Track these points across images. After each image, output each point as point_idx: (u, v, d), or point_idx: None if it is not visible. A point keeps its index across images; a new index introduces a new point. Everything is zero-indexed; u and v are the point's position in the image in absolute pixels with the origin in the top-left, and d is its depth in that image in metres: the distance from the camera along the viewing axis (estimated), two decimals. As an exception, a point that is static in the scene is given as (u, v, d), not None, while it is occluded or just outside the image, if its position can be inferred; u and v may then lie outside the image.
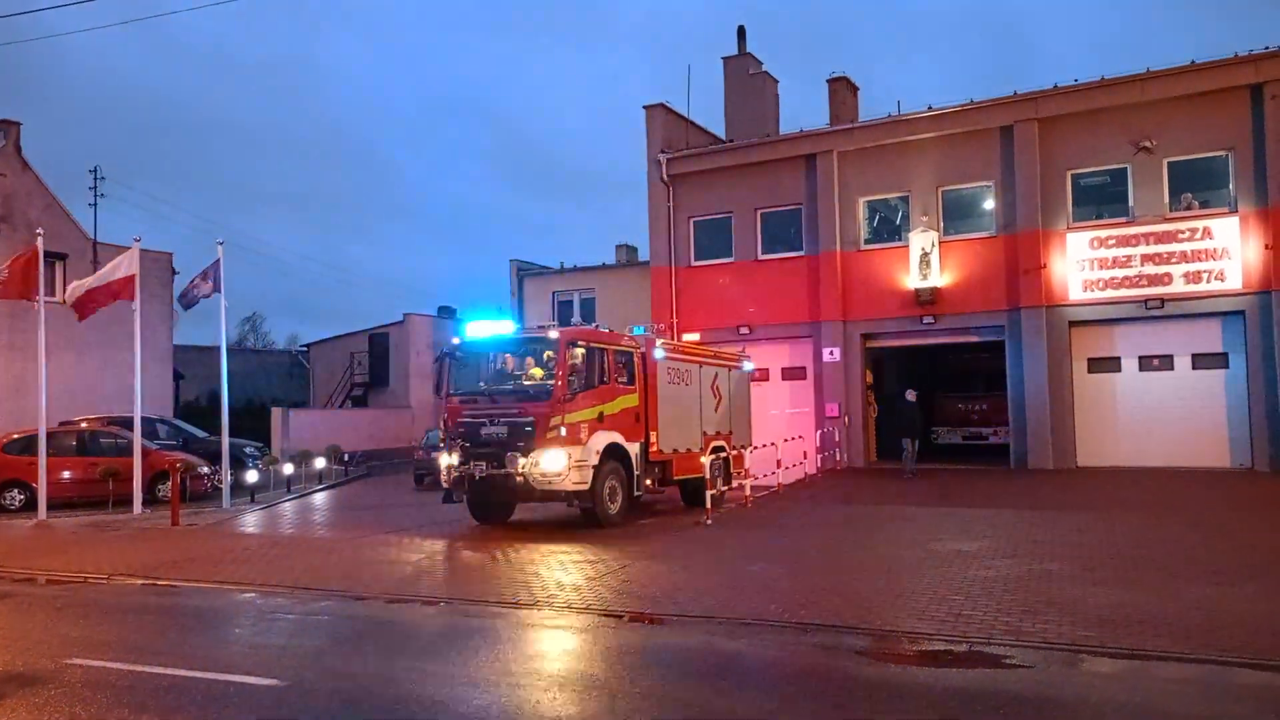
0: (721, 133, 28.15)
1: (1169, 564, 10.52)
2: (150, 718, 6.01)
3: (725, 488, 17.12)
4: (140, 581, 11.44)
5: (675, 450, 16.40)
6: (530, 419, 13.96)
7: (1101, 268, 20.90)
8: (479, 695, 6.47)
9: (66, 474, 19.08)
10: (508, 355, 15.38)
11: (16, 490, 19.09)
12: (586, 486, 14.07)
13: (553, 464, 13.79)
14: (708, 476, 16.43)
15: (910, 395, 21.01)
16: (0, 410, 25.18)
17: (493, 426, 14.31)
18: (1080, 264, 21.09)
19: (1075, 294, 21.13)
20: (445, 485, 14.87)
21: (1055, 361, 21.21)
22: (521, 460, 13.88)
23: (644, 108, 26.08)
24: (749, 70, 28.31)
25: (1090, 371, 21.43)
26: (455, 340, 15.57)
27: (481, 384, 15.23)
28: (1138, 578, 9.80)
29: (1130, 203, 20.80)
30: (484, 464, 14.18)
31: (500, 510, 15.58)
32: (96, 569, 12.13)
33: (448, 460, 14.70)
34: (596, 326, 16.26)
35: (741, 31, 28.68)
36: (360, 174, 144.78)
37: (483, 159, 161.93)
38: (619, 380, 15.20)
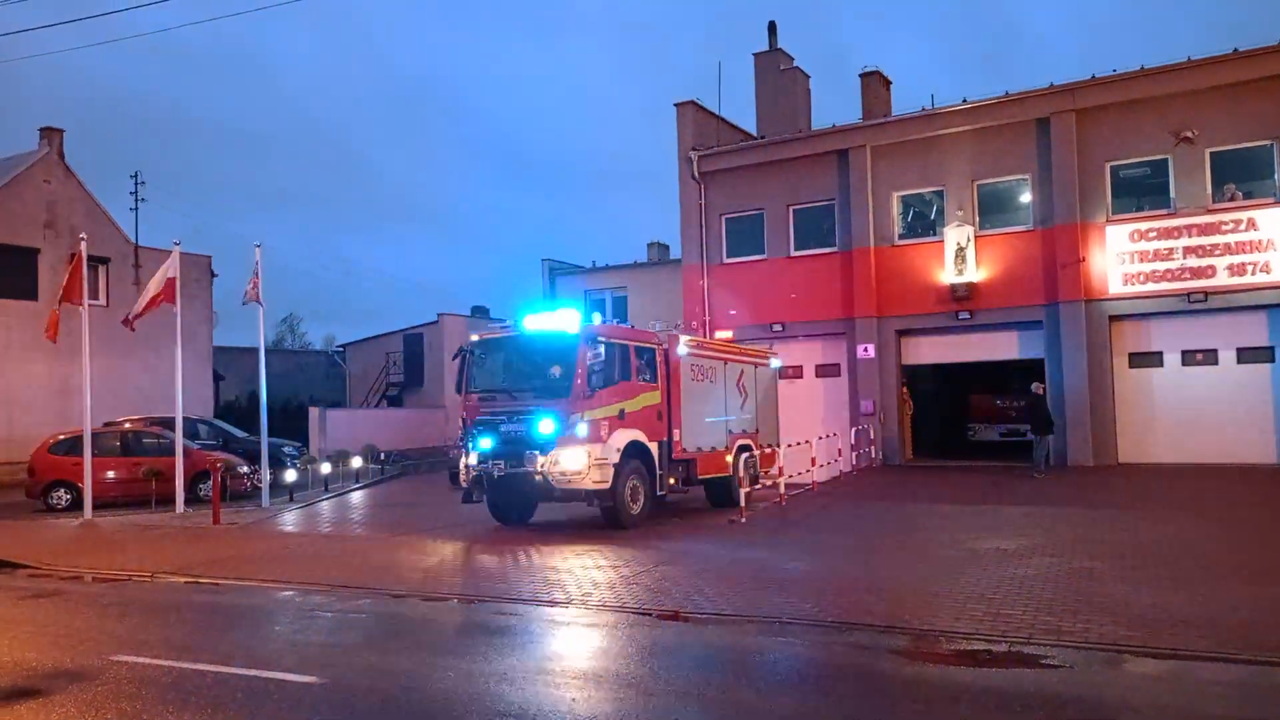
0: (751, 129, 28.05)
1: (1212, 563, 10.31)
2: (193, 714, 6.11)
3: (754, 487, 16.77)
4: (183, 579, 11.64)
5: (700, 449, 16.09)
6: (549, 416, 13.79)
7: (1142, 260, 20.54)
8: (514, 692, 6.51)
9: (111, 474, 19.44)
10: (528, 351, 14.89)
11: (63, 490, 19.50)
12: (607, 485, 13.77)
13: (572, 462, 13.57)
14: (734, 475, 16.18)
15: (1037, 388, 20.22)
16: (46, 411, 25.79)
17: (511, 424, 14.10)
18: (1120, 257, 20.74)
19: (1115, 288, 20.79)
20: (463, 484, 14.69)
21: (1095, 356, 20.88)
22: (540, 459, 13.68)
23: (675, 105, 26.09)
24: (780, 66, 28.17)
25: (1131, 366, 21.07)
26: (474, 337, 15.40)
27: (500, 381, 14.93)
28: (1181, 577, 9.62)
29: (1171, 194, 20.42)
30: (502, 463, 13.96)
31: (520, 510, 15.37)
32: (140, 567, 12.36)
33: (466, 459, 14.52)
34: (615, 323, 15.89)
35: (772, 27, 28.55)
36: (333, 171, 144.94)
37: (463, 153, 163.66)
38: (641, 377, 14.91)
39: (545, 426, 13.72)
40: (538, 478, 13.72)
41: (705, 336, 22.09)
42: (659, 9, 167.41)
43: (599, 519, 14.67)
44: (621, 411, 14.28)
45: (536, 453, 13.70)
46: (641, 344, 15.19)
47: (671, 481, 15.39)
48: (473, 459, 14.33)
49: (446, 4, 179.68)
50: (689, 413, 15.80)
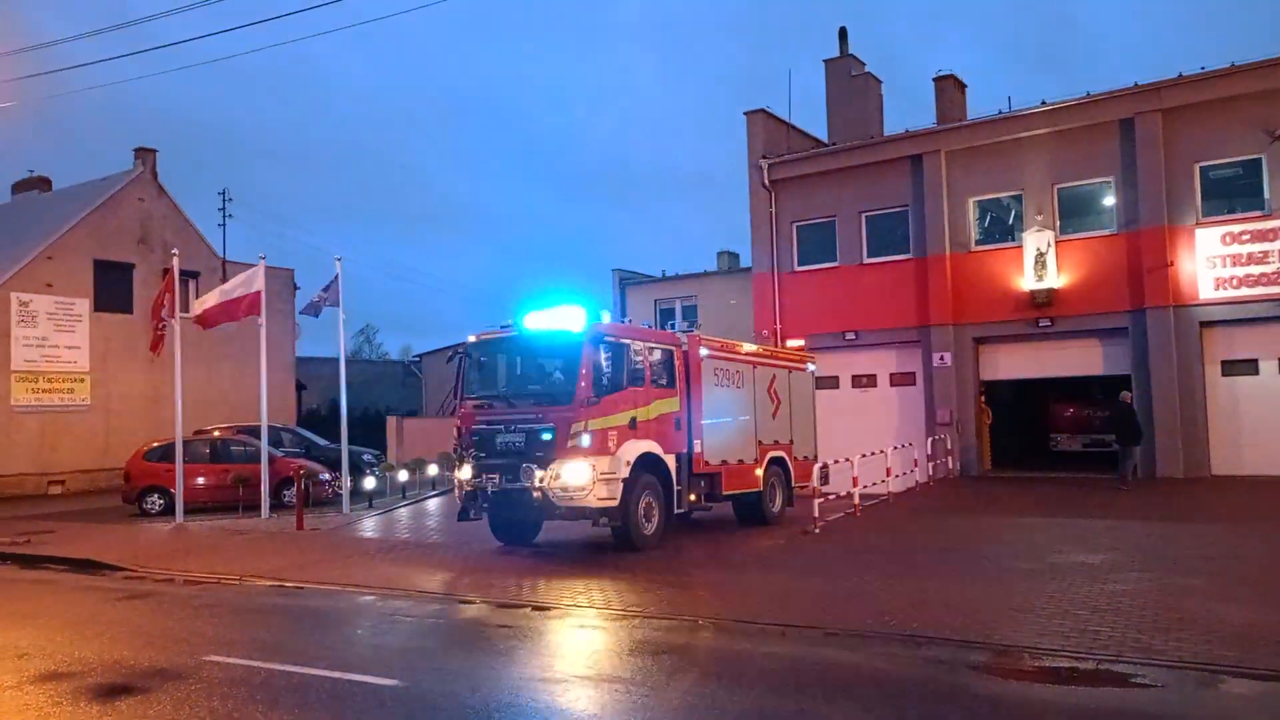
0: (815, 134, 27.83)
1: (1316, 580, 9.86)
2: (282, 714, 6.31)
3: (788, 505, 16.08)
4: (268, 583, 12.01)
5: (724, 462, 14.58)
6: (550, 425, 12.38)
7: (1235, 264, 19.73)
8: (589, 698, 6.57)
9: (200, 480, 20.15)
10: (528, 353, 13.78)
11: (156, 495, 20.28)
12: (615, 502, 12.35)
13: (575, 477, 12.16)
14: (765, 491, 15.45)
15: (1125, 396, 19.65)
16: (141, 420, 26.91)
17: (509, 434, 12.75)
18: (1211, 261, 19.96)
19: (1206, 293, 20.01)
20: (458, 501, 13.49)
21: (1185, 364, 20.12)
22: (539, 473, 12.30)
23: (745, 114, 26.03)
24: (851, 72, 27.90)
25: (1224, 374, 20.22)
26: (471, 338, 14.03)
27: (499, 386, 13.77)
28: (1277, 594, 9.21)
29: (1266, 195, 19.57)
30: (498, 477, 12.69)
31: (523, 529, 14.08)
32: (229, 571, 12.79)
33: (459, 472, 13.31)
34: (628, 322, 14.82)
35: (843, 33, 28.29)
36: (397, 186, 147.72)
37: (524, 167, 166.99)
38: (656, 382, 13.52)
39: (545, 437, 12.42)
40: (536, 494, 12.36)
41: (777, 345, 21.91)
42: (702, 16, 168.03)
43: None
44: (633, 420, 12.85)
45: (535, 466, 12.38)
46: (657, 345, 13.82)
47: (692, 498, 13.97)
48: (466, 472, 13.11)
49: (486, 21, 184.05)
50: (712, 422, 14.36)
